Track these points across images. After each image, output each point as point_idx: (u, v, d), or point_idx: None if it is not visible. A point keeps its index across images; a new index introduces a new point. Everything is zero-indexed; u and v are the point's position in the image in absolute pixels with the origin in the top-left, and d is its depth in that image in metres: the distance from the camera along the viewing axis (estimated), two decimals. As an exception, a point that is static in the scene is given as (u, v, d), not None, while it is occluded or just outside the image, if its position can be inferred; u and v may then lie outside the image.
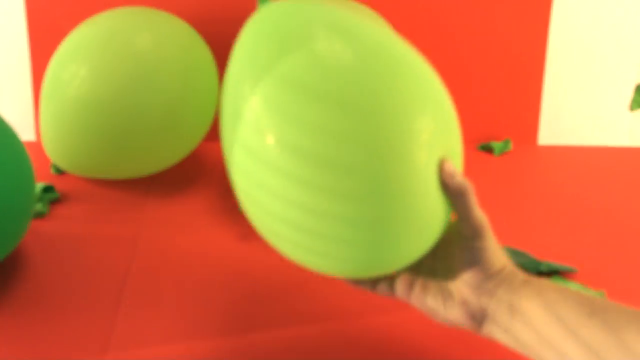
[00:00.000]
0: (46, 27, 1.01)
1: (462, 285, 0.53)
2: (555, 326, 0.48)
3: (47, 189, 0.87)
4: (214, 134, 0.95)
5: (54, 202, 0.87)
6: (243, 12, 0.98)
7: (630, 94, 1.08)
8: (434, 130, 0.51)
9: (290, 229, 0.52)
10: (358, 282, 0.58)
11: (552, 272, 0.73)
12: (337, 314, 0.67)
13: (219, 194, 0.91)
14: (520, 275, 0.53)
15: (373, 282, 0.57)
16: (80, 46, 0.85)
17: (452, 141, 0.53)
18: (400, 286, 0.57)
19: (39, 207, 0.84)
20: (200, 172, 0.97)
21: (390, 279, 0.57)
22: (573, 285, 0.69)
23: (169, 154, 0.90)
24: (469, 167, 1.01)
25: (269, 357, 0.61)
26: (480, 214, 0.52)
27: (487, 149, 1.06)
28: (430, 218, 0.51)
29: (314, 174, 0.50)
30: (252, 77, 0.53)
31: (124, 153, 0.85)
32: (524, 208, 0.89)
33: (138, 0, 0.97)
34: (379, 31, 0.55)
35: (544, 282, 0.52)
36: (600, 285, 0.71)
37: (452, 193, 0.51)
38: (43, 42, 1.01)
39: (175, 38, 0.88)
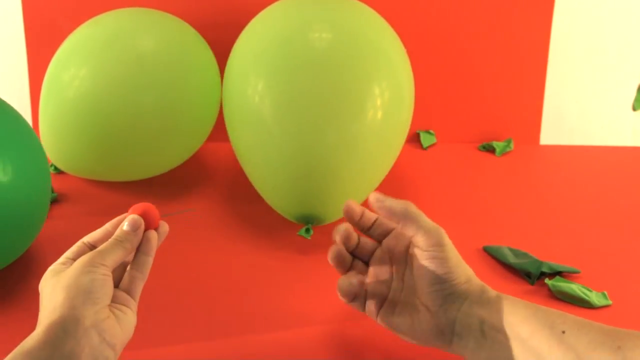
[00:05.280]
0: (43, 28, 1.01)
1: (428, 299, 0.52)
2: (527, 342, 0.47)
3: (45, 190, 0.87)
4: (217, 134, 0.95)
5: (52, 202, 0.87)
6: (245, 13, 0.98)
7: (633, 93, 1.07)
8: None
9: None
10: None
11: (554, 273, 0.72)
12: (337, 316, 0.66)
13: (220, 196, 0.91)
14: (490, 290, 0.53)
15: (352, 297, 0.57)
16: (81, 47, 0.85)
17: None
18: (369, 305, 0.56)
19: (36, 207, 0.83)
20: (202, 175, 0.96)
21: (362, 298, 0.57)
22: (576, 287, 0.69)
23: (169, 156, 0.89)
24: (470, 167, 1.01)
25: (267, 358, 0.61)
26: (431, 224, 0.52)
27: (489, 149, 1.06)
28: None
29: None
30: None
31: (124, 155, 0.85)
32: (526, 208, 0.88)
33: (139, 1, 0.96)
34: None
35: (515, 299, 0.51)
36: (604, 287, 0.70)
37: (397, 215, 0.52)
38: (40, 42, 1.01)
39: (176, 39, 0.88)
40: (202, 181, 0.94)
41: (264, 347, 0.62)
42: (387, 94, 0.77)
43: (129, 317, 0.50)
